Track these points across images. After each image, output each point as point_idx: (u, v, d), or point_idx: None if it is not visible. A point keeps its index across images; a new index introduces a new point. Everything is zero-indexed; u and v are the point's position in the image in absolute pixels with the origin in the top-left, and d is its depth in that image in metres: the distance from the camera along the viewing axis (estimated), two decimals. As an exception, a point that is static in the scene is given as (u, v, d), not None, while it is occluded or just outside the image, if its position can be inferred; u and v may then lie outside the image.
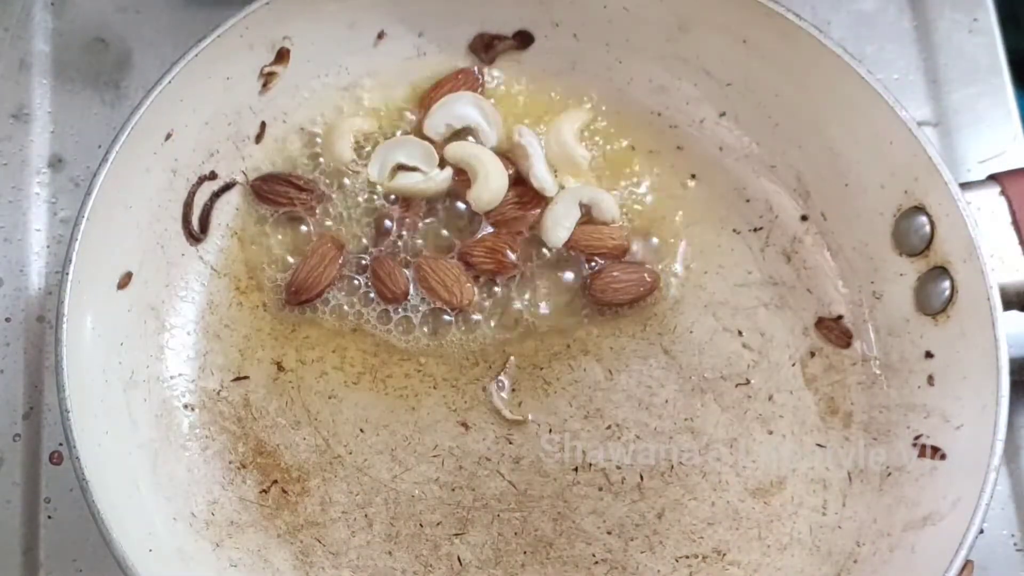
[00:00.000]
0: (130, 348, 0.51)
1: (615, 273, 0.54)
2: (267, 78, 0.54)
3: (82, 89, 0.61)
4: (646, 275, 0.55)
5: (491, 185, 0.54)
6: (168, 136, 0.51)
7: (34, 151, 0.60)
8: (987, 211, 0.50)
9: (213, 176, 0.55)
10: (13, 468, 0.55)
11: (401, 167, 0.55)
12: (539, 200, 0.55)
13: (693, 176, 0.57)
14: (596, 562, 0.51)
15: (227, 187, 0.55)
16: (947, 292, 0.50)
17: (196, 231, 0.54)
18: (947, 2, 0.63)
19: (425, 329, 0.54)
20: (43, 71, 0.61)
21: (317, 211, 0.55)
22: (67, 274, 0.47)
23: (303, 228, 0.55)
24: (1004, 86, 0.62)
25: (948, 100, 0.62)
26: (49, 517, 0.54)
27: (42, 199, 0.59)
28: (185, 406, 0.53)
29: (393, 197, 0.55)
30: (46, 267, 0.58)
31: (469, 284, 0.54)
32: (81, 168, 0.59)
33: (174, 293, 0.54)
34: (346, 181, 0.55)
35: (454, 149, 0.55)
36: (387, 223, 0.55)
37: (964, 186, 0.50)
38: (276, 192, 0.55)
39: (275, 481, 0.52)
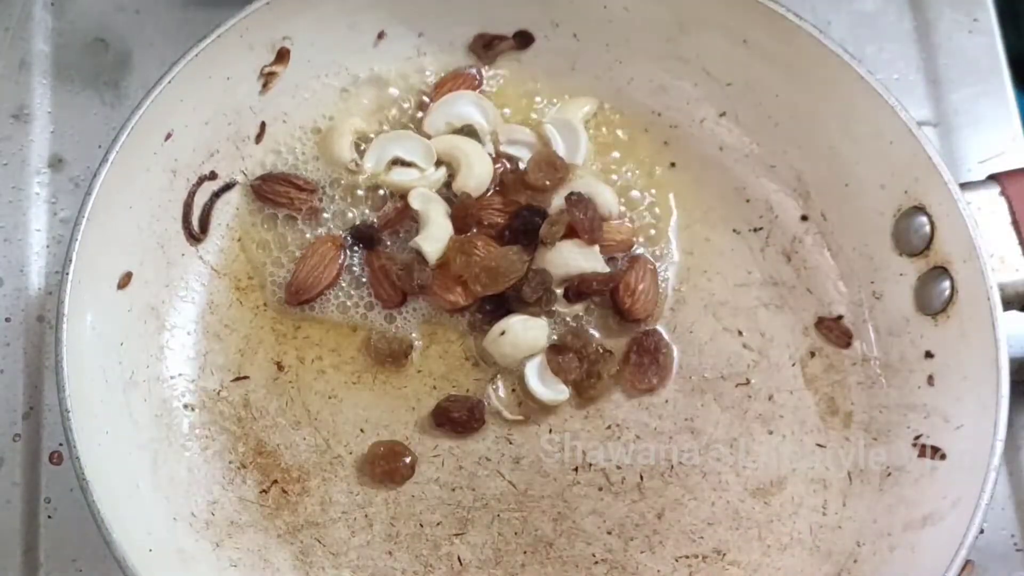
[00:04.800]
0: (130, 348, 0.51)
1: (640, 287, 0.53)
2: (267, 78, 0.54)
3: (82, 89, 0.61)
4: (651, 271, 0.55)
5: (475, 172, 0.54)
6: (168, 136, 0.51)
7: (34, 151, 0.60)
8: (987, 211, 0.50)
9: (213, 176, 0.54)
10: (13, 468, 0.55)
11: (398, 162, 0.55)
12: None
13: (693, 175, 0.57)
14: (596, 562, 0.51)
15: (227, 187, 0.55)
16: (947, 292, 0.50)
17: (196, 231, 0.54)
18: (947, 2, 0.63)
19: (425, 329, 0.54)
20: (43, 71, 0.61)
21: (317, 211, 0.55)
22: (67, 274, 0.47)
23: (303, 228, 0.55)
24: (1004, 86, 0.62)
25: (948, 100, 0.62)
26: (49, 517, 0.54)
27: (42, 199, 0.59)
28: (185, 406, 0.53)
29: (391, 196, 0.55)
30: (46, 267, 0.58)
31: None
32: (81, 168, 0.59)
33: (174, 293, 0.54)
34: (346, 181, 0.55)
35: (439, 142, 0.55)
36: (385, 224, 0.55)
37: (964, 186, 0.50)
38: (276, 192, 0.55)
39: (275, 481, 0.52)
